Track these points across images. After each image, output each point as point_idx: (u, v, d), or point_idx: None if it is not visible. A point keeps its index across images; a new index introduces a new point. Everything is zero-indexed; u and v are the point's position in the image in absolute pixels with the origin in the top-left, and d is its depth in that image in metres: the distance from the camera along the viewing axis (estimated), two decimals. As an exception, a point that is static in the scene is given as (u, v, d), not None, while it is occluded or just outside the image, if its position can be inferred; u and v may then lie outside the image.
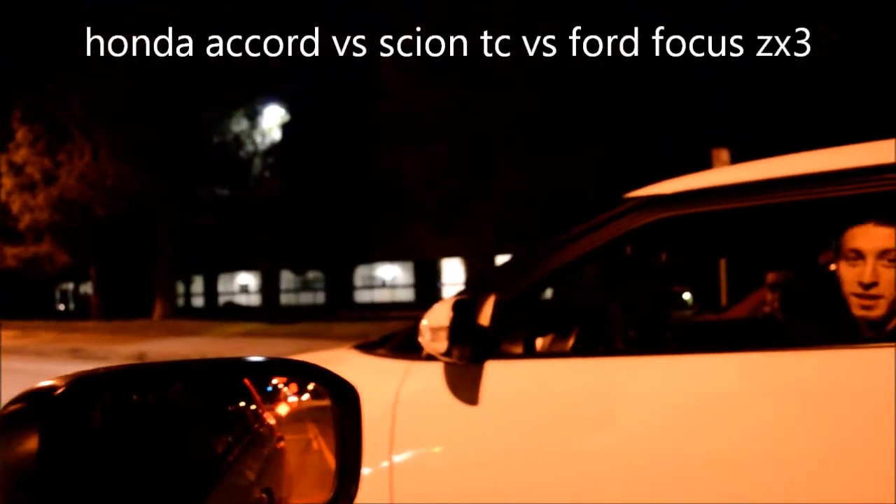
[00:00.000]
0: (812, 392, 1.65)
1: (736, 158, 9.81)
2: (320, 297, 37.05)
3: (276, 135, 24.60)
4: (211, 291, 40.15)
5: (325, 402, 1.04)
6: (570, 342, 2.30)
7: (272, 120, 24.45)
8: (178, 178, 23.09)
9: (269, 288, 27.44)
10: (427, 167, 20.94)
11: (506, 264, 2.27)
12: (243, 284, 40.35)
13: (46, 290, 38.87)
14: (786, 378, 1.69)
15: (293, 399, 1.03)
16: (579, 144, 19.28)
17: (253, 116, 24.17)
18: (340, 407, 0.92)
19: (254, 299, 37.38)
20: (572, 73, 18.04)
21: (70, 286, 41.90)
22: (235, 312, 30.85)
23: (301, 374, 0.96)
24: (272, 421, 1.01)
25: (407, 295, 35.48)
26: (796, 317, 2.31)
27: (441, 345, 1.85)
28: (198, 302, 40.07)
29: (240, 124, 24.06)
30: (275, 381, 1.00)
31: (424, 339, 1.90)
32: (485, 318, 1.90)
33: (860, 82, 15.46)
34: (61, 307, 41.43)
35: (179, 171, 22.96)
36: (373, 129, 22.84)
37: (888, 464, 1.51)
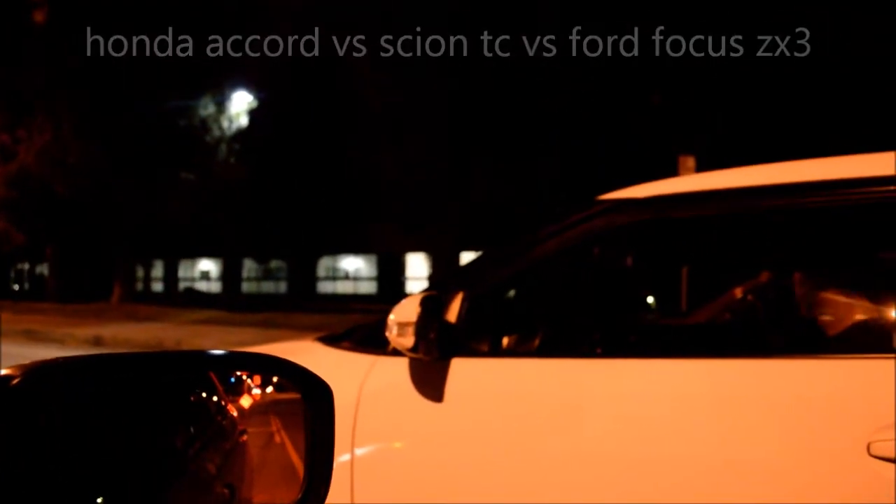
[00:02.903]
0: (773, 399, 1.66)
1: (701, 166, 9.94)
2: (282, 287, 36.74)
3: (243, 120, 24.31)
4: (171, 277, 39.58)
5: (289, 395, 1.01)
6: (536, 343, 2.30)
7: (240, 105, 24.17)
8: (141, 159, 22.71)
9: (231, 275, 27.15)
10: (395, 162, 20.91)
11: (475, 262, 2.26)
12: (204, 271, 39.86)
13: (1, 269, 38.03)
14: (749, 385, 1.70)
15: (256, 391, 1.00)
16: (546, 148, 19.39)
17: (220, 101, 23.85)
18: (312, 405, 0.89)
19: (214, 286, 36.96)
20: (540, 77, 18.13)
21: (26, 266, 41.02)
22: (195, 299, 30.45)
23: (271, 370, 0.93)
24: (234, 413, 0.99)
25: (370, 288, 35.36)
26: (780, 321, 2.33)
27: (408, 340, 1.83)
28: (157, 287, 39.48)
29: (207, 108, 23.73)
30: (238, 372, 0.98)
31: (391, 333, 1.88)
32: (453, 314, 1.88)
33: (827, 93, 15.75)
34: (16, 287, 40.57)
35: (143, 153, 22.58)
36: (342, 121, 22.72)
37: (848, 471, 1.53)
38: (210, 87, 23.27)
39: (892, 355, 1.73)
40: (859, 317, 1.95)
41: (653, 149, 14.90)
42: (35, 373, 0.64)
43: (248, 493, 0.93)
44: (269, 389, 1.01)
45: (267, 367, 0.93)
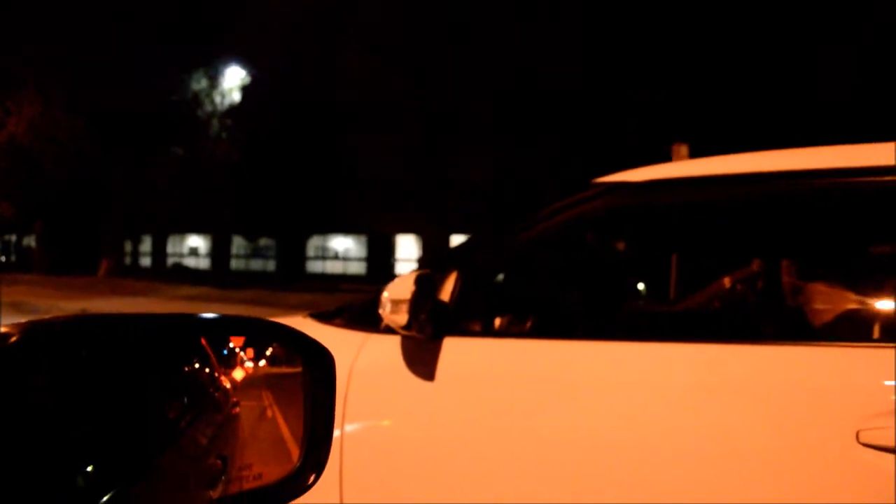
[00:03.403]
0: (763, 385, 1.66)
1: (695, 155, 9.93)
2: (271, 265, 36.63)
3: (235, 96, 24.14)
4: (159, 252, 39.40)
5: (283, 370, 1.00)
6: (528, 324, 2.29)
7: (232, 81, 23.98)
8: (132, 133, 22.52)
9: (220, 252, 27.05)
10: (387, 143, 20.86)
11: (470, 242, 2.25)
12: (193, 247, 39.68)
13: (-12, 240, 37.81)
14: (739, 370, 1.70)
15: (249, 364, 0.99)
16: (537, 134, 19.39)
17: (213, 76, 23.66)
18: (312, 371, 0.88)
19: (203, 263, 36.81)
20: (534, 62, 18.10)
21: (13, 238, 40.73)
22: (184, 275, 30.33)
23: (271, 335, 0.92)
24: (228, 385, 0.98)
25: (359, 268, 35.29)
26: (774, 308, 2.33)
27: (401, 318, 1.82)
28: (145, 262, 39.29)
29: (199, 83, 23.54)
30: (231, 344, 0.97)
31: (385, 310, 1.87)
32: (446, 293, 1.87)
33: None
34: (2, 259, 40.29)
35: (134, 127, 22.39)
36: (335, 101, 22.61)
37: (837, 459, 1.53)
38: (203, 62, 23.09)
39: (881, 345, 1.74)
40: (848, 306, 1.95)
41: (646, 136, 14.91)
42: (32, 331, 0.62)
43: (240, 466, 0.93)
44: (262, 363, 1.00)
45: (265, 332, 0.92)
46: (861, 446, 1.51)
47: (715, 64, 16.08)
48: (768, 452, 1.61)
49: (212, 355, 0.95)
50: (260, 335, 0.93)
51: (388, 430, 1.97)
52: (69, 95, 21.89)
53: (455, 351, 1.89)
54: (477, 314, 2.18)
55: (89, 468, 0.71)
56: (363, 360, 1.97)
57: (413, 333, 1.85)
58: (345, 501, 1.92)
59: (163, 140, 23.72)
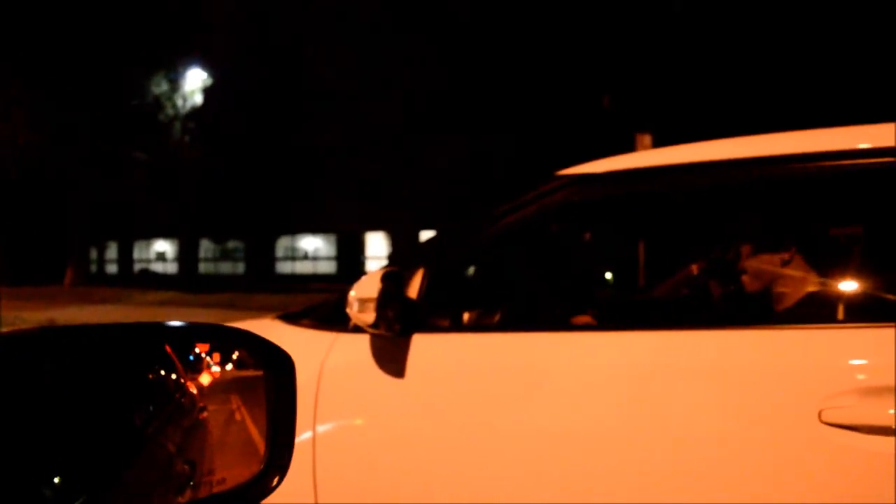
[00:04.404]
0: (729, 369, 1.69)
1: (658, 145, 10.04)
2: (240, 267, 36.34)
3: (197, 98, 23.88)
4: (126, 258, 38.91)
5: (250, 373, 1.00)
6: (496, 318, 2.31)
7: (194, 83, 23.73)
8: (94, 138, 22.17)
9: (188, 256, 26.78)
10: (354, 141, 20.79)
11: (436, 238, 2.25)
12: (160, 252, 39.24)
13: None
14: (705, 355, 1.72)
15: (216, 369, 0.99)
16: (504, 126, 19.44)
17: (174, 78, 23.38)
18: (274, 375, 0.88)
19: (171, 267, 36.42)
20: (497, 55, 18.15)
21: (-26, 248, 39.91)
22: (151, 280, 29.95)
23: (233, 341, 0.92)
24: (194, 391, 0.97)
25: (329, 268, 35.14)
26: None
27: (369, 316, 1.82)
28: (112, 269, 38.77)
29: (160, 86, 23.25)
30: (197, 349, 0.96)
31: (352, 309, 1.87)
32: (414, 290, 1.88)
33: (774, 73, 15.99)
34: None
35: (96, 131, 22.05)
36: (300, 100, 22.46)
37: (800, 438, 1.57)
38: (164, 64, 22.81)
39: (841, 325, 1.78)
40: (810, 289, 1.99)
41: (610, 127, 15.02)
42: None
43: (209, 470, 0.93)
44: (230, 367, 1.00)
45: (226, 338, 0.92)
46: (823, 425, 1.54)
47: (680, 53, 16.24)
48: (735, 433, 1.64)
49: (177, 362, 0.95)
50: (222, 341, 0.92)
51: (361, 429, 1.97)
52: (29, 100, 21.48)
53: (424, 347, 1.90)
54: (445, 309, 2.19)
55: (56, 479, 0.71)
56: (333, 360, 1.97)
57: (381, 331, 1.85)
58: (319, 501, 1.92)
59: (126, 143, 23.38)
